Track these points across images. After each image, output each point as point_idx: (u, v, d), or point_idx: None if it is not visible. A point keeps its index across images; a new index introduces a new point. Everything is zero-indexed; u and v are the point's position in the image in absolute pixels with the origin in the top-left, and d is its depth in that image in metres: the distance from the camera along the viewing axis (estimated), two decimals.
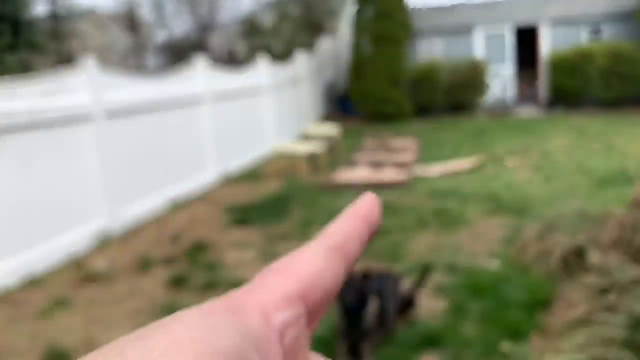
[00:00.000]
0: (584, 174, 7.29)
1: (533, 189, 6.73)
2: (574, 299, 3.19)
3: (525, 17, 14.74)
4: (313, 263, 0.25)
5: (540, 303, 3.53)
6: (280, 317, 0.23)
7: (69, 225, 5.40)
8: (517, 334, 3.22)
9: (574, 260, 3.91)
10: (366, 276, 3.03)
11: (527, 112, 14.00)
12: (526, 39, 16.05)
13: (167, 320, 0.21)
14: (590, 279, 3.42)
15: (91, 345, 3.62)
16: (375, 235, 0.28)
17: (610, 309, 2.94)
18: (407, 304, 3.50)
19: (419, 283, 3.69)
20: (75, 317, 4.07)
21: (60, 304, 4.27)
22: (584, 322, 2.88)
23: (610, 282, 3.31)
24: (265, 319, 0.22)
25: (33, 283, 4.75)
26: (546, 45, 14.57)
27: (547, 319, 3.27)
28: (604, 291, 3.25)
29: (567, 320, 2.99)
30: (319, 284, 0.24)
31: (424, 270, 3.79)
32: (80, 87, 5.66)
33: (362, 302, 2.98)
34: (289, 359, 0.23)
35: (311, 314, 0.24)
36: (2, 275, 4.59)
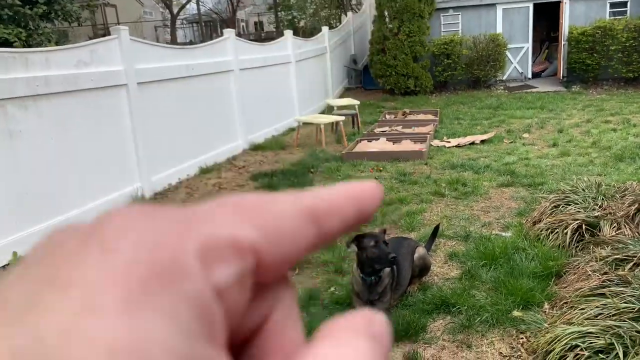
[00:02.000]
0: (600, 149, 7.05)
1: (548, 163, 6.54)
2: (587, 271, 3.09)
3: None
4: (281, 216, 0.18)
5: (552, 274, 3.43)
6: (224, 272, 0.16)
7: (104, 188, 5.44)
8: (529, 303, 3.15)
9: (588, 233, 3.79)
10: (382, 241, 2.97)
11: (546, 87, 13.57)
12: (549, 13, 15.45)
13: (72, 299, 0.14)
14: (604, 252, 3.31)
15: None
16: (364, 223, 0.21)
17: (624, 281, 2.84)
18: (422, 268, 3.45)
19: (430, 246, 3.65)
20: None
21: None
22: (596, 294, 2.79)
23: (624, 255, 3.20)
24: (204, 272, 0.16)
25: None
26: (568, 20, 14.00)
27: (560, 290, 3.19)
28: (617, 264, 3.15)
29: (579, 291, 2.91)
30: (279, 242, 0.18)
31: (435, 232, 3.74)
32: (114, 56, 5.62)
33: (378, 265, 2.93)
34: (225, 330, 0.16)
35: (260, 278, 0.18)
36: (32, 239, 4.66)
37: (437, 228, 3.87)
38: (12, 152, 4.46)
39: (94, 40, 5.57)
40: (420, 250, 3.44)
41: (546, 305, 3.10)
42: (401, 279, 3.19)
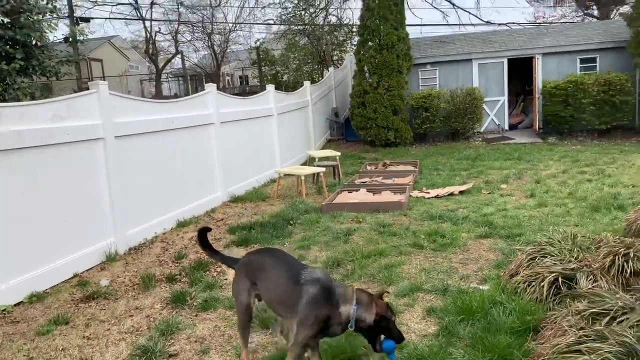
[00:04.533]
0: (576, 199, 7.12)
1: (526, 213, 6.57)
2: (563, 326, 3.02)
3: (521, 48, 14.71)
4: None
5: (530, 329, 3.36)
6: None
7: (75, 244, 5.30)
8: None
9: (565, 286, 3.74)
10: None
11: (523, 139, 13.87)
12: (523, 68, 16.01)
13: None
14: (581, 305, 3.26)
15: None
16: None
17: (601, 337, 2.78)
18: None
19: None
20: (73, 335, 3.94)
21: (60, 322, 4.15)
22: (573, 350, 2.72)
23: (601, 308, 3.15)
24: None
25: (35, 300, 4.63)
26: (541, 74, 14.50)
27: (537, 346, 3.11)
28: (594, 318, 3.09)
29: (557, 348, 2.83)
30: None
31: None
32: (92, 110, 5.62)
33: None
34: None
35: None
36: (5, 293, 4.48)
37: None
38: None
39: (72, 95, 5.57)
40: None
41: None
42: None
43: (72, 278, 5.16)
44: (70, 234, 5.26)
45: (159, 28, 29.05)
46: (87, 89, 5.79)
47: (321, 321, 2.77)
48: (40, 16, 8.68)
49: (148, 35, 27.33)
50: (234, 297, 3.22)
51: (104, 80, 5.66)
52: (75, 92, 7.91)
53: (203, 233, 3.37)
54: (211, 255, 3.40)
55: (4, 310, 4.39)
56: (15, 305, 4.53)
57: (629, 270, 3.71)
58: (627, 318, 2.98)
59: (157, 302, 4.50)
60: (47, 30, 8.98)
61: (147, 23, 26.81)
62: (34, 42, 8.66)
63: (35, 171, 4.90)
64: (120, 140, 6.00)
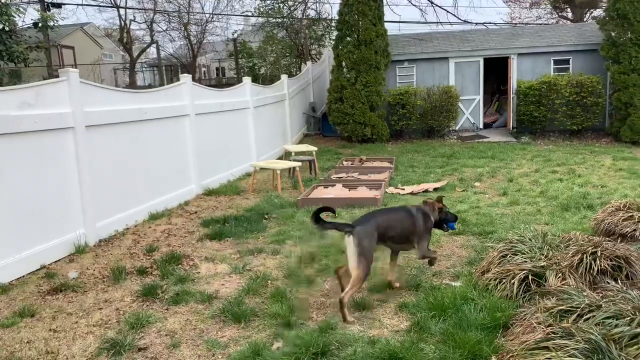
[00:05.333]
0: (547, 198, 7.27)
1: (498, 211, 6.67)
2: (532, 323, 3.08)
3: (497, 48, 14.92)
4: None
5: (500, 325, 3.41)
6: None
7: (43, 236, 5.17)
8: (477, 356, 3.10)
9: (534, 284, 3.82)
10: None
11: (497, 137, 14.09)
12: (498, 68, 16.24)
13: None
14: (549, 303, 3.33)
15: (51, 359, 3.41)
16: None
17: (568, 334, 2.84)
18: None
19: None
20: (39, 328, 3.84)
21: (26, 314, 4.04)
22: (541, 346, 2.77)
23: (569, 306, 3.22)
24: None
25: (0, 292, 4.50)
26: (516, 74, 14.74)
27: (507, 342, 3.16)
28: (562, 315, 3.16)
29: (525, 344, 2.88)
30: None
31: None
32: (61, 98, 5.47)
33: None
34: None
35: None
36: None
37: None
38: None
39: (41, 82, 5.41)
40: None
41: (493, 359, 3.05)
42: None
43: (39, 270, 5.04)
44: (38, 224, 5.12)
45: (134, 16, 28.52)
46: (57, 76, 5.64)
47: (430, 229, 4.27)
48: (9, 0, 8.41)
49: (122, 23, 26.80)
50: (364, 253, 3.78)
51: (76, 68, 5.51)
52: (44, 79, 7.71)
53: (320, 211, 3.86)
54: (322, 226, 3.88)
55: None
56: None
57: (596, 269, 3.81)
58: (594, 315, 3.06)
59: (127, 295, 4.42)
60: (15, 15, 8.69)
61: (122, 11, 26.28)
62: (0, 27, 8.38)
63: (1, 160, 4.75)
64: (91, 130, 5.87)
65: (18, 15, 8.62)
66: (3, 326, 3.86)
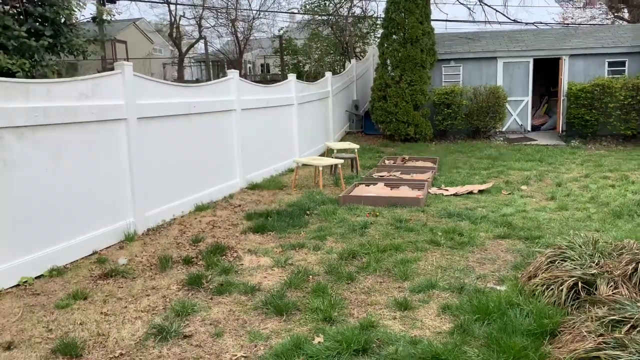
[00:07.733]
0: (598, 204, 7.01)
1: (546, 216, 6.48)
2: (582, 331, 2.98)
3: (548, 48, 14.46)
4: None
5: (547, 332, 3.32)
6: None
7: (95, 222, 5.37)
8: None
9: (584, 291, 3.69)
10: None
11: (545, 140, 13.67)
12: (548, 69, 15.75)
13: None
14: (600, 312, 3.21)
15: (102, 340, 3.54)
16: None
17: (620, 345, 2.74)
18: None
19: None
20: (91, 310, 4.00)
21: (79, 297, 4.21)
22: (592, 356, 2.68)
23: (621, 316, 3.10)
24: None
25: (55, 274, 4.71)
26: (567, 76, 14.26)
27: (554, 350, 3.07)
28: (614, 325, 3.05)
29: (574, 353, 2.79)
30: None
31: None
32: (116, 90, 5.66)
33: None
34: None
35: None
36: (27, 265, 4.56)
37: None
38: (4, 180, 4.41)
39: (97, 75, 5.61)
40: None
41: None
42: None
43: (91, 255, 5.24)
44: (91, 211, 5.33)
45: (184, 12, 29.19)
46: (112, 69, 5.83)
47: None
48: None
49: (172, 19, 27.44)
50: None
51: (129, 62, 5.70)
52: (99, 72, 7.98)
53: None
54: None
55: (25, 282, 4.48)
56: (36, 278, 4.61)
57: None
58: None
59: (174, 283, 4.54)
60: (75, 9, 9.04)
61: (172, 7, 26.90)
62: (62, 20, 8.73)
63: (60, 148, 4.96)
64: (143, 122, 6.04)
65: (78, 9, 8.98)
66: (58, 307, 4.04)
